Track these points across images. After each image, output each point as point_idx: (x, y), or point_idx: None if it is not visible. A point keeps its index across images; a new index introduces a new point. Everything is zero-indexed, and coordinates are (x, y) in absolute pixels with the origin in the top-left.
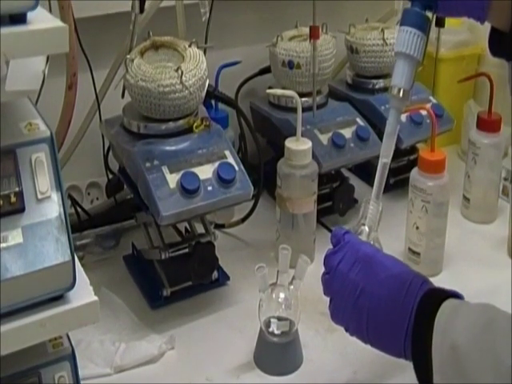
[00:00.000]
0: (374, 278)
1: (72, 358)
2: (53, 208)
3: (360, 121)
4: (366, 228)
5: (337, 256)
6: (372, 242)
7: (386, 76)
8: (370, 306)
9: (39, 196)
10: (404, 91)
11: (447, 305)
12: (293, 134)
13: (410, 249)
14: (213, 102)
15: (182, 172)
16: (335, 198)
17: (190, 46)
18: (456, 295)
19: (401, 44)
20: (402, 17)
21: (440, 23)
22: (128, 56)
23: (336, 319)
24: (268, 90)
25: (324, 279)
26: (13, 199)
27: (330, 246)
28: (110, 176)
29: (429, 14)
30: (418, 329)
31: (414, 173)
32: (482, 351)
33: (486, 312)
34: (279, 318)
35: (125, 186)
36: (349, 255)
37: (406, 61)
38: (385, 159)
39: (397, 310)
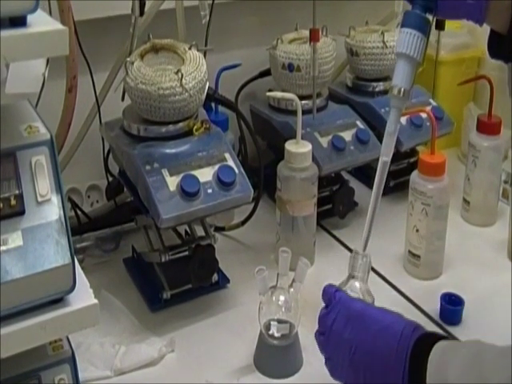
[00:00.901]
0: (366, 334)
1: (72, 360)
2: (53, 211)
3: (360, 124)
4: (357, 284)
5: (330, 316)
6: (362, 296)
7: (386, 79)
8: (365, 361)
9: (39, 199)
10: (404, 91)
11: (438, 347)
12: (293, 136)
13: (410, 251)
14: (213, 104)
15: (182, 175)
16: (335, 201)
17: (190, 48)
18: (446, 337)
19: (402, 45)
20: (402, 19)
21: (440, 26)
22: (128, 59)
23: (335, 376)
24: (268, 93)
25: (320, 340)
26: (13, 202)
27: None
28: (110, 179)
29: (429, 17)
30: (413, 374)
31: (414, 175)
32: (471, 382)
33: (473, 347)
34: (279, 321)
35: (125, 189)
36: (341, 314)
37: (406, 61)
38: (385, 158)
39: (391, 361)
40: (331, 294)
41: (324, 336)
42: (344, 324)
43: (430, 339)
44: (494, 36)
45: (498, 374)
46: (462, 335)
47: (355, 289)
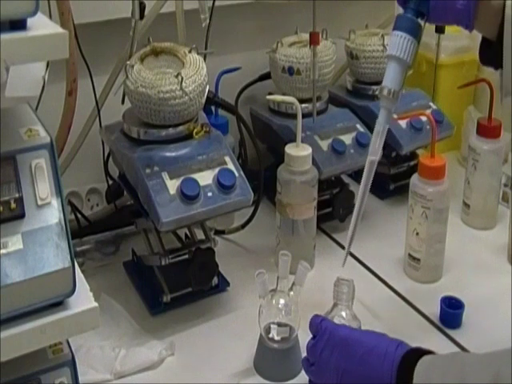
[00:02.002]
0: (352, 359)
1: (72, 363)
2: (53, 214)
3: (360, 127)
4: (342, 312)
5: (318, 346)
6: (348, 323)
7: None
8: None
9: (39, 202)
10: (394, 92)
11: (423, 361)
12: (293, 140)
13: (410, 255)
14: (213, 108)
15: (181, 178)
16: (335, 204)
17: (190, 52)
18: (431, 352)
19: (393, 48)
20: (395, 22)
21: (440, 29)
22: (128, 62)
23: None
24: (268, 96)
25: (310, 370)
26: (13, 205)
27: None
28: (110, 182)
29: (421, 22)
30: None
31: (414, 179)
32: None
33: (454, 356)
34: (279, 324)
35: (125, 192)
36: (328, 343)
37: (396, 63)
38: (372, 157)
39: (378, 381)
40: (317, 324)
41: (314, 366)
42: (331, 351)
43: (414, 355)
44: (484, 42)
45: (477, 374)
46: (462, 338)
47: (341, 316)
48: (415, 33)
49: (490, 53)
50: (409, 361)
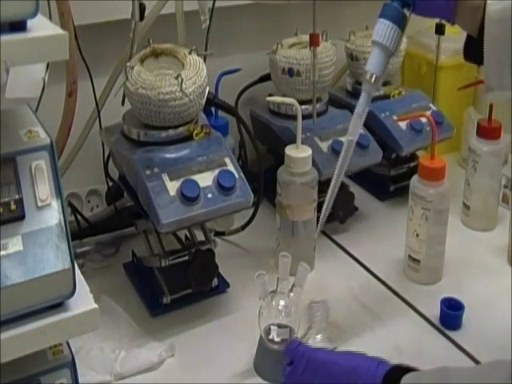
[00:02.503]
0: (336, 381)
1: (72, 365)
2: (53, 215)
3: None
4: (318, 336)
5: (297, 371)
6: (324, 345)
7: (386, 83)
8: None
9: (39, 203)
10: (376, 77)
11: (406, 378)
12: (293, 141)
13: (410, 256)
14: (213, 109)
15: (181, 179)
16: (335, 206)
17: (189, 53)
18: (414, 369)
19: (377, 34)
20: (381, 10)
21: (440, 31)
22: (128, 63)
23: None
24: (268, 98)
25: None
26: (13, 207)
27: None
28: (110, 183)
29: (407, 13)
30: None
31: (414, 180)
32: None
33: (438, 372)
34: (279, 326)
35: (125, 194)
36: (307, 367)
37: (380, 50)
38: (351, 137)
39: None
40: (294, 349)
41: None
42: (311, 376)
43: (397, 373)
44: (468, 39)
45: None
46: (462, 340)
47: (317, 339)
48: (400, 22)
49: (473, 49)
50: (392, 379)
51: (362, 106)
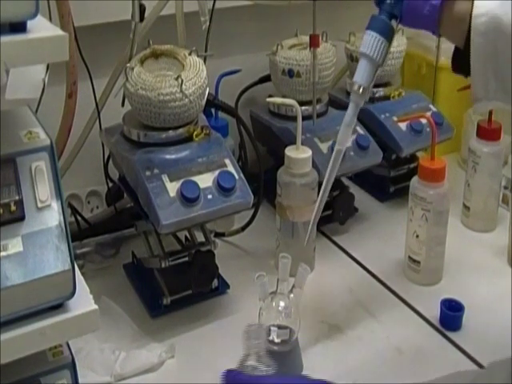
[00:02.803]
0: None
1: (72, 366)
2: (53, 216)
3: (360, 129)
4: (256, 362)
5: None
6: (261, 371)
7: (386, 85)
8: None
9: (39, 204)
10: (363, 88)
11: None
12: (293, 142)
13: (410, 257)
14: (213, 110)
15: (181, 180)
16: (335, 207)
17: (190, 54)
18: None
19: (365, 46)
20: (369, 21)
21: None
22: (128, 64)
23: None
24: (268, 99)
25: None
26: (13, 208)
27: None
28: (110, 184)
29: (394, 24)
30: None
31: (414, 181)
32: None
33: None
34: (279, 327)
35: (125, 195)
36: None
37: (367, 62)
38: (339, 146)
39: None
40: (232, 379)
41: None
42: None
43: None
44: (455, 51)
45: None
46: (462, 341)
47: (252, 365)
48: (387, 34)
49: (460, 61)
50: None
51: (349, 116)
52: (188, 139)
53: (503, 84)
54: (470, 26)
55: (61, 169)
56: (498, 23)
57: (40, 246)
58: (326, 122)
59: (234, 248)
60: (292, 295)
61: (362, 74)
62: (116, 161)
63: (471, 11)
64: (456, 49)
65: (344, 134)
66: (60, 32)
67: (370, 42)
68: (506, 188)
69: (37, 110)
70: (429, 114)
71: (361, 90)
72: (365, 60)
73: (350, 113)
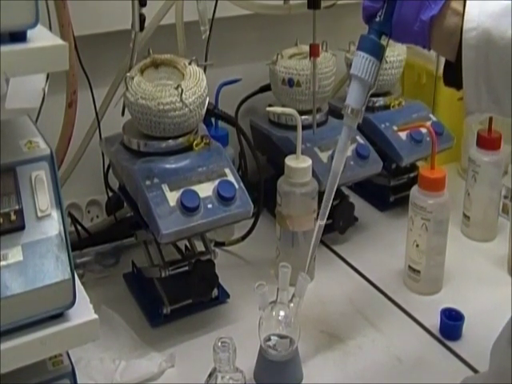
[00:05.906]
0: None
1: (72, 375)
2: (53, 226)
3: (360, 139)
4: (226, 378)
5: None
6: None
7: (386, 94)
8: None
9: (39, 214)
10: (356, 111)
11: None
12: (293, 151)
13: (410, 267)
14: (213, 119)
15: (181, 190)
16: (335, 216)
17: (190, 63)
18: None
19: (355, 67)
20: (358, 42)
21: None
22: (128, 74)
23: None
24: (268, 108)
25: None
26: (13, 217)
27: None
28: (110, 194)
29: (384, 41)
30: None
31: (414, 190)
32: None
33: None
34: (279, 336)
35: (125, 204)
36: None
37: (359, 83)
38: (336, 170)
39: None
40: None
41: None
42: None
43: None
44: (446, 65)
45: None
46: (462, 350)
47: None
48: (377, 54)
49: (452, 74)
50: None
51: (343, 141)
52: (188, 148)
53: (495, 96)
54: (460, 40)
55: (61, 178)
56: (489, 36)
57: (40, 256)
58: (326, 131)
59: (234, 257)
60: (292, 304)
61: (353, 96)
62: (116, 170)
63: (462, 26)
64: (447, 62)
65: (338, 159)
66: (60, 41)
67: (360, 63)
68: (506, 197)
69: (37, 120)
70: (429, 123)
71: (354, 112)
72: (356, 82)
73: (343, 137)
